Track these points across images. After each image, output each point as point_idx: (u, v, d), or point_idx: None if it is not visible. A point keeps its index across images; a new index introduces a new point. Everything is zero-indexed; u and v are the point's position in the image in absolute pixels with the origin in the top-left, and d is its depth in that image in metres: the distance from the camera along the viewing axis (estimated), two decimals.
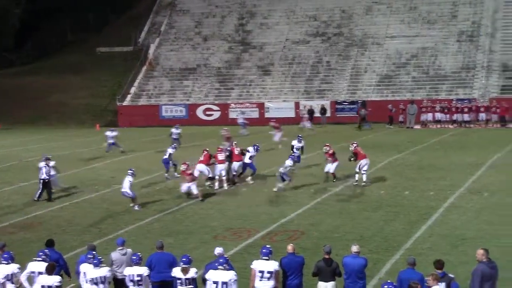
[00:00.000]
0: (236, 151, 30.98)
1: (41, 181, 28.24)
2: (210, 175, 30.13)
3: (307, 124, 52.65)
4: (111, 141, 42.10)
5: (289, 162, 28.59)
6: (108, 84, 70.08)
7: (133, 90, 68.03)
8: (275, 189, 28.63)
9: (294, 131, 43.47)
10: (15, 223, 24.65)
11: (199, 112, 63.84)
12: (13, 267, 14.88)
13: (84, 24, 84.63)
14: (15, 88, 70.72)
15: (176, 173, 32.34)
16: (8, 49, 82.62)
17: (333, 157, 30.15)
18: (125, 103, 66.00)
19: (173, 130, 43.04)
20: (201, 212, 25.62)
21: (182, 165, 28.24)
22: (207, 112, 63.78)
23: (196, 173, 29.16)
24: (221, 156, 30.19)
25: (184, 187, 27.71)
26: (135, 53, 74.63)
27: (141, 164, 36.54)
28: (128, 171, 26.67)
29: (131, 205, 26.32)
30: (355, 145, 30.09)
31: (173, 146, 34.36)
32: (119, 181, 28.61)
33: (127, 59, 72.47)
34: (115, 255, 15.74)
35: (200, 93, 67.11)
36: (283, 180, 28.63)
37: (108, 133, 42.43)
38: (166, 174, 32.50)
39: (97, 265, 14.62)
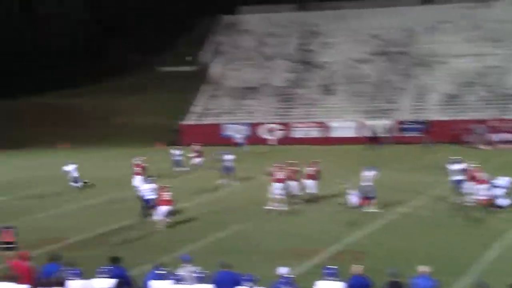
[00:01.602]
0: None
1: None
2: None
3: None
4: (178, 158, 43.12)
5: None
6: (170, 104, 70.48)
7: (195, 109, 68.34)
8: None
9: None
10: (84, 240, 24.77)
11: (261, 131, 63.71)
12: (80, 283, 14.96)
13: (146, 44, 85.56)
14: (78, 108, 71.74)
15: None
16: (72, 68, 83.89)
17: None
18: (187, 122, 66.30)
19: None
20: (264, 231, 25.36)
21: None
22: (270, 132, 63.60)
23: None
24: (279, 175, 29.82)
25: None
26: (197, 72, 75.06)
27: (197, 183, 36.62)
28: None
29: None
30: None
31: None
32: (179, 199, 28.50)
33: (189, 79, 72.87)
34: (181, 272, 15.58)
35: (262, 112, 67.03)
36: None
37: (174, 152, 43.42)
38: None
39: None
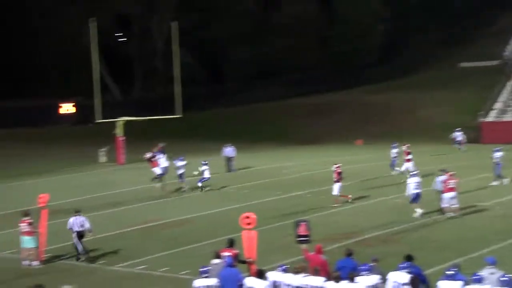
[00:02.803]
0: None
1: None
2: None
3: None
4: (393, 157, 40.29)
5: None
6: (470, 100, 68.18)
7: (497, 105, 65.24)
8: None
9: None
10: (376, 236, 24.63)
11: None
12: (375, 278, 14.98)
13: (449, 39, 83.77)
14: (377, 104, 71.98)
15: None
16: (372, 65, 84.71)
17: None
18: (488, 119, 63.44)
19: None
20: None
21: None
22: None
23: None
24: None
25: None
26: (501, 67, 71.84)
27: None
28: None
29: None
30: None
31: None
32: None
33: (492, 74, 69.92)
34: (483, 274, 14.72)
35: None
36: None
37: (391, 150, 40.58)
38: None
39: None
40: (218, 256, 16.85)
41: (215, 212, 30.35)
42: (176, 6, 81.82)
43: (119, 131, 49.64)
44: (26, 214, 22.73)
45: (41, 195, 22.47)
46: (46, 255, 22.76)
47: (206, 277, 15.53)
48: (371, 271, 15.10)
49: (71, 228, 22.66)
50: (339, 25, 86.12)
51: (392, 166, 40.06)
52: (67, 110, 75.12)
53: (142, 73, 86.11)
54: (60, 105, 75.32)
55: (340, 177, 30.96)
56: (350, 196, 31.47)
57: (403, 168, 37.74)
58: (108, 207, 32.16)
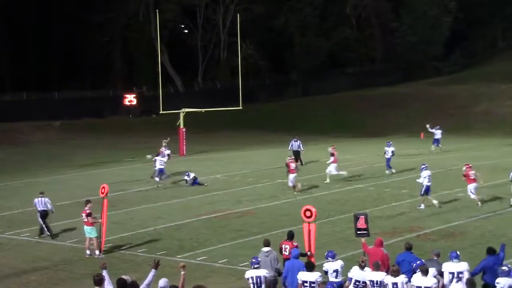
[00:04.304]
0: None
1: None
2: None
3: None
4: None
5: None
6: None
7: None
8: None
9: None
10: (437, 231, 24.25)
11: None
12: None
13: None
14: (442, 97, 70.78)
15: None
16: (438, 58, 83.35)
17: None
18: None
19: None
20: None
21: None
22: None
23: None
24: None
25: None
26: None
27: None
28: None
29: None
30: None
31: None
32: None
33: None
34: None
35: None
36: None
37: None
38: None
39: None
40: (267, 244, 16.95)
41: (275, 204, 30.25)
42: None
43: (181, 123, 49.82)
44: (86, 203, 22.99)
45: (103, 185, 22.65)
46: (107, 245, 23.00)
47: (257, 267, 15.65)
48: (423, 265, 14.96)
49: (35, 207, 25.24)
50: (406, 16, 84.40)
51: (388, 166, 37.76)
52: (130, 101, 75.88)
53: (205, 65, 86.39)
54: (125, 96, 76.08)
55: (290, 168, 32.38)
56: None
57: (327, 170, 35.44)
58: (169, 198, 32.34)
